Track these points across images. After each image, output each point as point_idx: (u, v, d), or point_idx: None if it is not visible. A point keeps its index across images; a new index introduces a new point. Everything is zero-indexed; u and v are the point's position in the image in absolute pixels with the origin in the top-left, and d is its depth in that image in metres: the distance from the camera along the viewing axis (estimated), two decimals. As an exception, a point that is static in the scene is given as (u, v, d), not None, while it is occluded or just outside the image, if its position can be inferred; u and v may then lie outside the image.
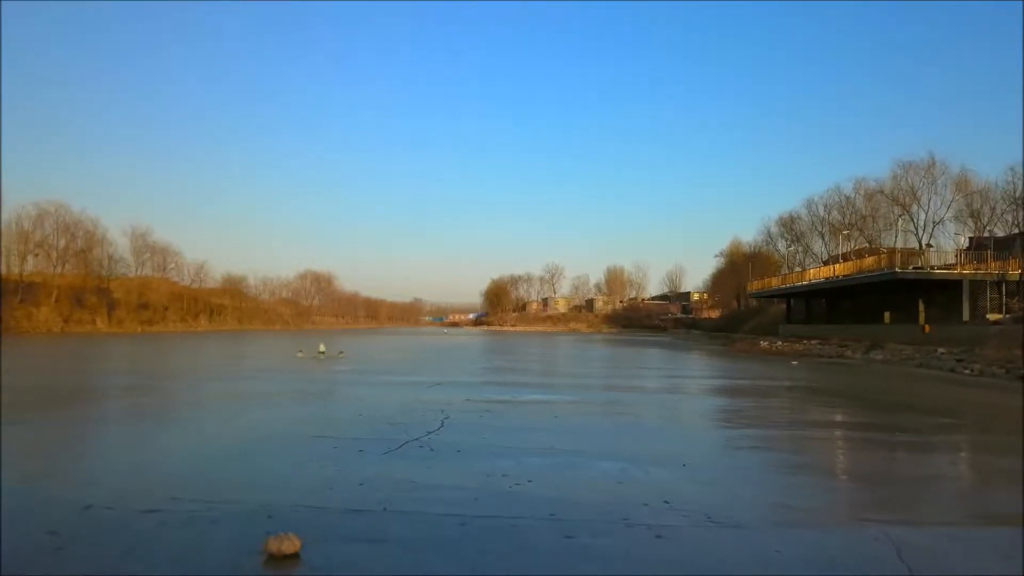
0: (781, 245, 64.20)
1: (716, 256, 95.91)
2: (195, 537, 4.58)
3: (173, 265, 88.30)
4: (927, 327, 35.19)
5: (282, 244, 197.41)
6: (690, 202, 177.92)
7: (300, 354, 28.38)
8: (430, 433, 8.89)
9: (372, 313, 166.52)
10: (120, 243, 78.89)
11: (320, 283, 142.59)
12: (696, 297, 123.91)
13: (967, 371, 23.23)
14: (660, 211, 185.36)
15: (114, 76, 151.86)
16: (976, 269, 36.09)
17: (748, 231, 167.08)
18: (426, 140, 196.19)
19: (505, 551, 4.44)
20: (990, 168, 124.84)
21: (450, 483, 6.21)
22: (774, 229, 65.87)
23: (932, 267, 38.99)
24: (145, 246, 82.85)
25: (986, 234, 47.72)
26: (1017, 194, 37.94)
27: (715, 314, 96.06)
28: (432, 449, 7.87)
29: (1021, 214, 38.58)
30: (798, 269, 56.50)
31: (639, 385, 18.62)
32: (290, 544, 4.17)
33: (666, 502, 5.64)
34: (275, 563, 4.08)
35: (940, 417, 12.42)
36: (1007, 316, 33.14)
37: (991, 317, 33.38)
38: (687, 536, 4.79)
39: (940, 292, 37.54)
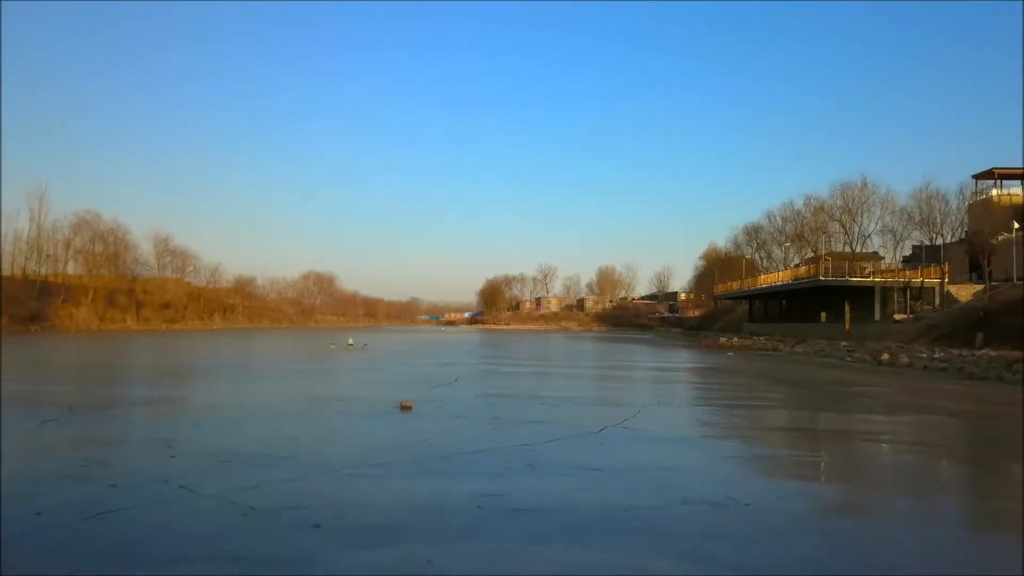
0: (749, 251, 71.49)
1: (699, 259, 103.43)
2: (366, 407, 11.68)
3: (191, 268, 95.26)
4: (848, 325, 42.49)
5: (285, 243, 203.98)
6: (684, 202, 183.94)
7: (332, 346, 35.47)
8: (450, 383, 16.05)
9: (370, 312, 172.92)
10: (144, 248, 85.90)
11: (322, 283, 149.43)
12: (683, 297, 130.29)
13: (849, 359, 30.39)
14: (656, 211, 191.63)
15: (113, 78, 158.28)
16: (886, 277, 43.43)
17: (733, 235, 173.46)
18: (424, 140, 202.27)
19: (489, 408, 11.58)
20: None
21: (466, 395, 13.38)
22: (741, 237, 73.31)
23: (861, 273, 46.35)
24: (167, 250, 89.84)
25: (917, 243, 55.13)
26: (917, 218, 45.31)
27: (698, 313, 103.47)
28: (453, 388, 15.01)
29: (921, 231, 45.85)
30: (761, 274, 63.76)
31: (593, 365, 25.80)
32: (410, 402, 11.28)
33: (561, 399, 12.77)
34: (404, 409, 11.12)
35: (776, 383, 19.54)
36: (910, 316, 40.42)
37: (896, 317, 40.65)
38: (561, 407, 11.90)
39: (864, 296, 44.82)
